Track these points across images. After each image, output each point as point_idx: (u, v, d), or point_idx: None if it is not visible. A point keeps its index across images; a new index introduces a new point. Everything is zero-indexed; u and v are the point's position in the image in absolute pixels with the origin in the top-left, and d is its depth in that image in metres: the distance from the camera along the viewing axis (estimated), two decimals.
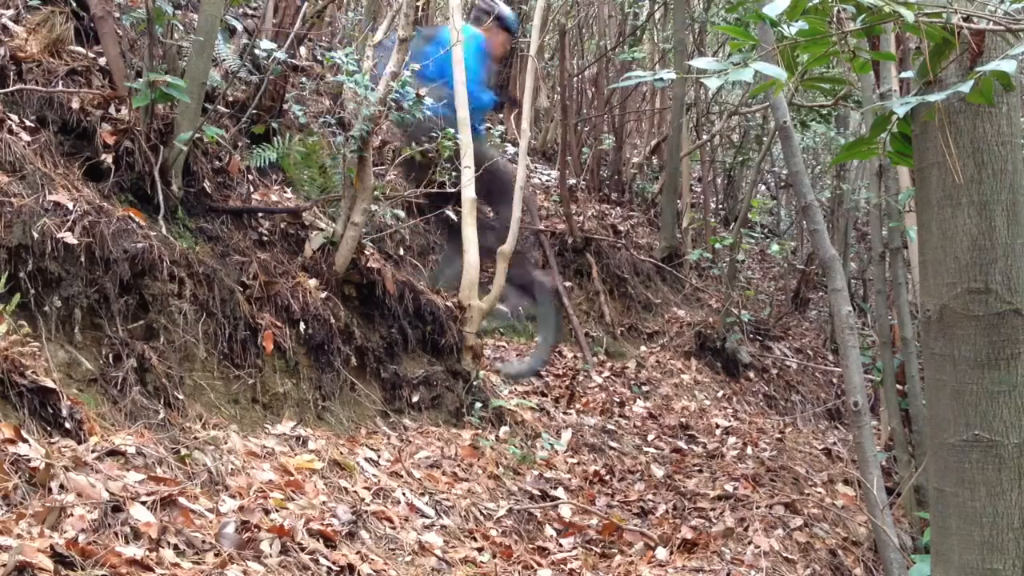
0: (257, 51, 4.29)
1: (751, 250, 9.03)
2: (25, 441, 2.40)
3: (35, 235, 2.92)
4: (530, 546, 3.41)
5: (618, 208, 7.95)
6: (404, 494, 3.30)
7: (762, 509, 3.84)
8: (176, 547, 2.30)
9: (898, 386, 4.04)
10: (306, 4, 4.96)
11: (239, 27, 4.91)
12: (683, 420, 5.25)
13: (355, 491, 3.17)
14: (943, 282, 1.93)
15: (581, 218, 7.14)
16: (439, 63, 4.71)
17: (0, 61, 3.43)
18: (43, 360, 2.77)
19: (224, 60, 4.38)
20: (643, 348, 6.49)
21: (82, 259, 3.04)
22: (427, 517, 3.25)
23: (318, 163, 4.50)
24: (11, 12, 3.70)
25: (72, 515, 2.22)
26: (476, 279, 4.71)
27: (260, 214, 4.14)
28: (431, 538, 3.08)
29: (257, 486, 2.84)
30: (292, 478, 3.01)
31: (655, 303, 7.03)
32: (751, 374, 6.55)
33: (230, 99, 4.52)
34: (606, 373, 5.83)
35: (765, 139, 7.78)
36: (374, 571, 2.66)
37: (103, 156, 3.49)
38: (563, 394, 5.24)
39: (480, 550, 3.19)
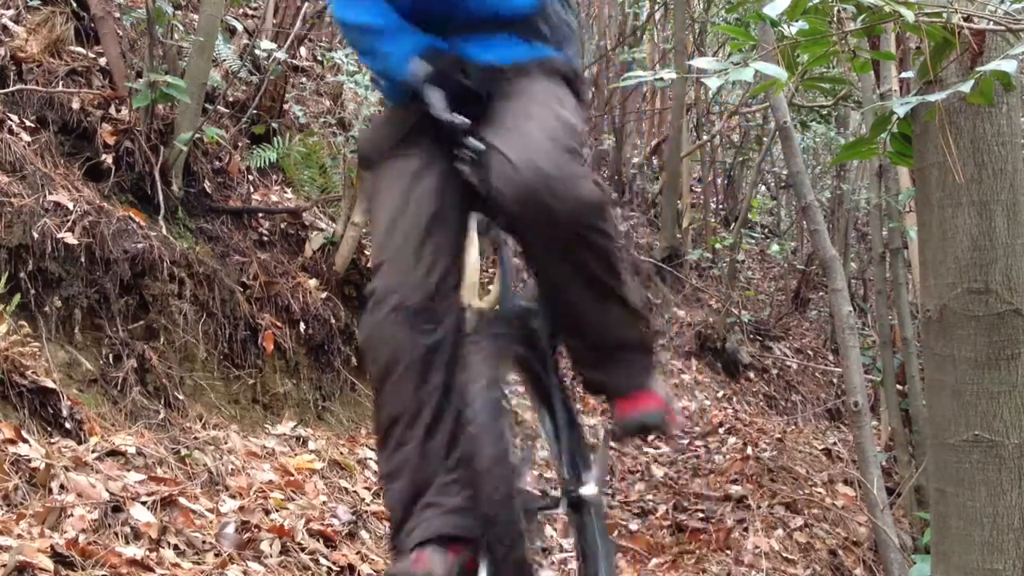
0: (257, 51, 4.29)
1: (751, 250, 9.02)
2: (25, 441, 2.40)
3: (35, 235, 2.92)
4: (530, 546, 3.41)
5: (618, 208, 7.95)
6: None
7: (762, 509, 3.84)
8: (176, 547, 2.30)
9: (898, 386, 4.04)
10: (306, 4, 4.96)
11: (239, 27, 4.91)
12: (683, 420, 5.24)
13: (355, 491, 3.17)
14: (943, 282, 1.93)
15: None
16: None
17: (0, 61, 3.43)
18: (43, 360, 2.77)
19: (224, 60, 4.38)
20: None
21: (82, 259, 3.04)
22: None
23: (318, 163, 4.49)
24: (11, 12, 3.70)
25: (72, 515, 2.21)
26: (476, 279, 4.70)
27: (260, 214, 4.14)
28: None
29: (257, 486, 2.83)
30: (292, 478, 3.01)
31: (655, 303, 7.02)
32: (751, 374, 6.54)
33: (230, 99, 4.52)
34: None
35: (765, 139, 7.77)
36: (374, 571, 2.65)
37: (103, 156, 3.49)
38: None
39: None
